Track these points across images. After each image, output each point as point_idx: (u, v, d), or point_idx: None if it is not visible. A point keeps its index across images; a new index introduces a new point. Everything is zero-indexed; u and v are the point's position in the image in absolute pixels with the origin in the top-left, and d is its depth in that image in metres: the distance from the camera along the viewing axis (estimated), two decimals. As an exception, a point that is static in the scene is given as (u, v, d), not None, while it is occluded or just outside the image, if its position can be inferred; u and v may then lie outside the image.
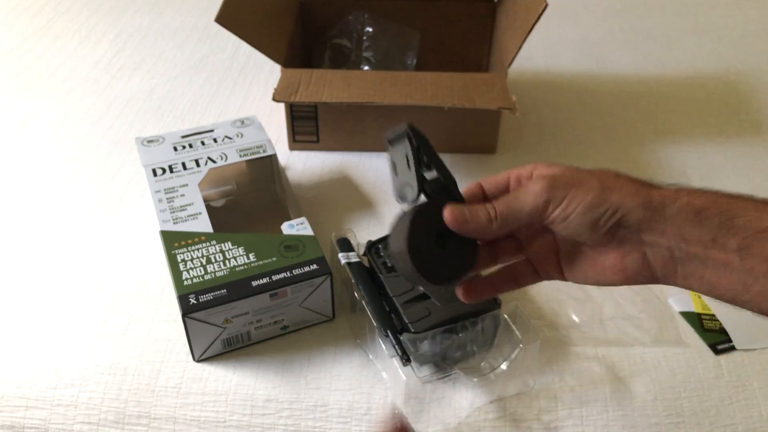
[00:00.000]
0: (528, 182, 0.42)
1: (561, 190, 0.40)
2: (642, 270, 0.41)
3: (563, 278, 0.45)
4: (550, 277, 0.46)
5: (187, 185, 0.65)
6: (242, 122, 0.74)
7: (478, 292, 0.46)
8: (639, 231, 0.39)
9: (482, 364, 0.57)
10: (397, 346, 0.54)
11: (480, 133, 0.81)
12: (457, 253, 0.44)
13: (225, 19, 0.72)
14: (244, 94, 0.92)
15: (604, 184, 0.40)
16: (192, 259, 0.58)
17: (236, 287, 0.56)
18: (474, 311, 0.55)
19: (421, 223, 0.43)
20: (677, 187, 0.40)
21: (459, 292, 0.46)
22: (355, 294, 0.59)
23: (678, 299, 0.63)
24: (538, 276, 0.46)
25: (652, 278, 0.41)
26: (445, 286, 0.44)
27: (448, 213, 0.42)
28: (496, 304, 0.56)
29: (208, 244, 0.59)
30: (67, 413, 0.55)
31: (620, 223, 0.40)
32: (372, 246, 0.62)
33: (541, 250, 0.46)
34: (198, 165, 0.67)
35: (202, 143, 0.70)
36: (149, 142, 0.70)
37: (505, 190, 0.45)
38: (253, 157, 0.69)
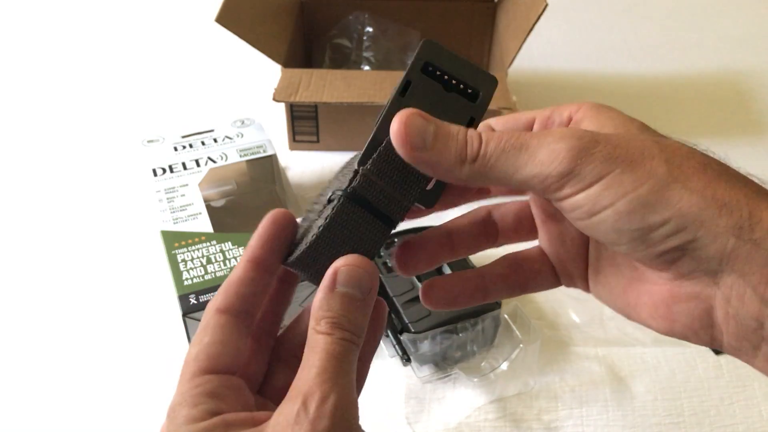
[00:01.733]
0: (548, 131, 0.26)
1: (598, 163, 0.24)
2: (699, 329, 0.26)
3: (587, 288, 0.32)
4: (572, 284, 0.32)
5: (187, 185, 0.65)
6: (242, 122, 0.74)
7: (450, 296, 0.33)
8: (716, 271, 0.24)
9: (482, 364, 0.57)
10: (397, 346, 0.53)
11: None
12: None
13: (225, 19, 0.71)
14: (244, 94, 0.92)
15: (674, 170, 0.24)
16: (192, 259, 0.58)
17: (236, 287, 0.56)
18: (474, 311, 0.55)
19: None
20: None
21: (421, 294, 0.33)
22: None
23: (678, 299, 0.63)
24: (556, 280, 0.32)
25: (711, 341, 0.26)
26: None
27: (396, 123, 0.27)
28: (496, 304, 0.56)
29: (208, 244, 0.59)
30: (63, 414, 0.55)
31: (686, 249, 0.24)
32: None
33: (565, 239, 0.31)
34: (198, 165, 0.67)
35: (202, 143, 0.70)
36: (149, 142, 0.70)
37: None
38: (253, 157, 0.69)
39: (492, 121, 0.32)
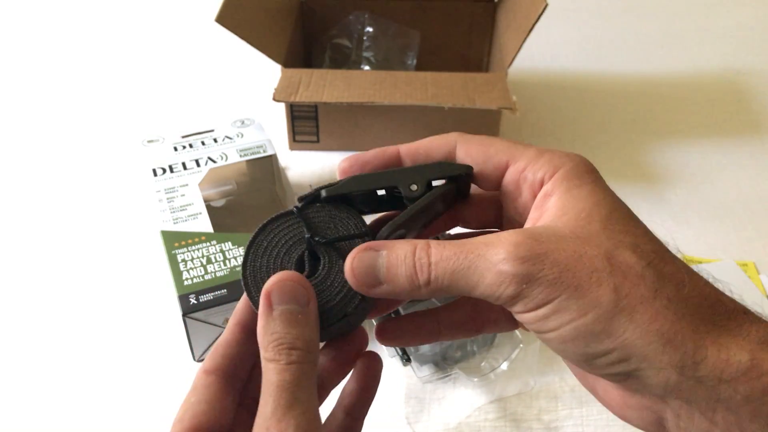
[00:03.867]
0: (494, 244, 0.26)
1: (543, 288, 0.25)
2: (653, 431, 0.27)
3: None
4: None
5: (187, 185, 0.65)
6: (242, 122, 0.74)
7: (402, 336, 0.34)
8: (663, 396, 0.25)
9: (482, 364, 0.57)
10: (397, 346, 0.53)
11: (480, 133, 0.80)
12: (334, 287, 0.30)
13: (225, 19, 0.71)
14: (244, 94, 0.92)
15: (620, 300, 0.24)
16: (192, 259, 0.58)
17: (237, 287, 0.56)
18: (474, 311, 0.55)
19: (272, 240, 0.31)
20: (759, 344, 0.24)
21: (375, 332, 0.34)
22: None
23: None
24: (514, 325, 0.33)
25: None
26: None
27: (347, 266, 0.29)
28: (496, 304, 0.56)
29: (208, 244, 0.59)
30: (63, 414, 0.55)
31: (630, 375, 0.25)
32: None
33: None
34: (198, 165, 0.67)
35: (202, 143, 0.70)
36: (149, 142, 0.70)
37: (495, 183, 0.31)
38: (253, 157, 0.69)
39: (462, 151, 0.32)
